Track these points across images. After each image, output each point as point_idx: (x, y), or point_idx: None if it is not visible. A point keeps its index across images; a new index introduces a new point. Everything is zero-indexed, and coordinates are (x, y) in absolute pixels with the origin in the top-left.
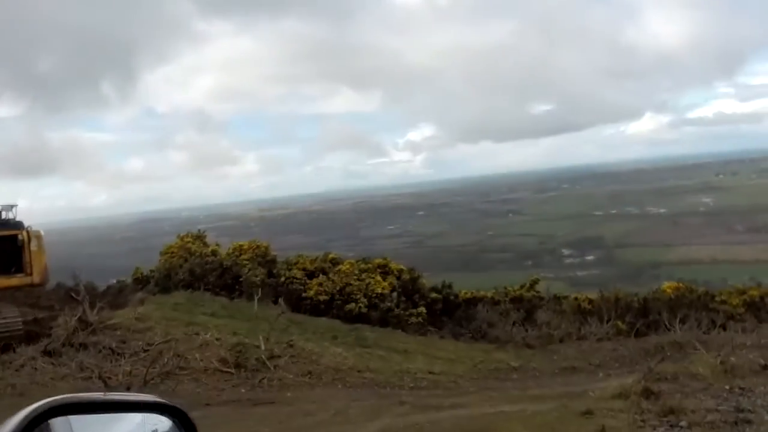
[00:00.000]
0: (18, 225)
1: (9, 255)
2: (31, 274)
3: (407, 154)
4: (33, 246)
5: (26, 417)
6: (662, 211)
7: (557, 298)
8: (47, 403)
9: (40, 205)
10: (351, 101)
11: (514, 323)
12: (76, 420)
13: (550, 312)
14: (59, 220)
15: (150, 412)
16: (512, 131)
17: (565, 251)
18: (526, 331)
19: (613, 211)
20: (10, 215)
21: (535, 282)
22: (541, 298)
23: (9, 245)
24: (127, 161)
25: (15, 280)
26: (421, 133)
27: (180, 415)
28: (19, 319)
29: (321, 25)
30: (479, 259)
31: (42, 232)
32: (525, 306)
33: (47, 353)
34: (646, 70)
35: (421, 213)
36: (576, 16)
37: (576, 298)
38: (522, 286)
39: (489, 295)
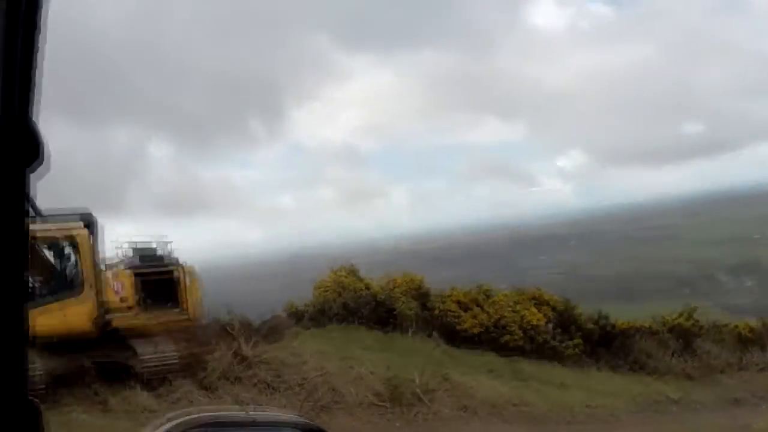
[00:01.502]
0: (173, 262)
1: (164, 291)
2: (186, 310)
3: (556, 182)
4: (187, 282)
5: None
6: None
7: (716, 327)
8: (193, 419)
9: (194, 241)
10: (496, 130)
11: (672, 353)
12: None
13: (709, 341)
14: (212, 256)
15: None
16: (662, 154)
17: (723, 277)
18: (685, 361)
19: None
20: (166, 252)
21: (693, 310)
22: (700, 327)
23: (165, 282)
24: (276, 197)
25: (171, 316)
26: (570, 159)
27: None
28: (176, 354)
29: (462, 55)
30: (634, 289)
31: (196, 268)
32: (683, 335)
33: (203, 387)
34: None
35: (572, 242)
36: (718, 31)
37: (736, 326)
38: (680, 315)
39: (646, 324)
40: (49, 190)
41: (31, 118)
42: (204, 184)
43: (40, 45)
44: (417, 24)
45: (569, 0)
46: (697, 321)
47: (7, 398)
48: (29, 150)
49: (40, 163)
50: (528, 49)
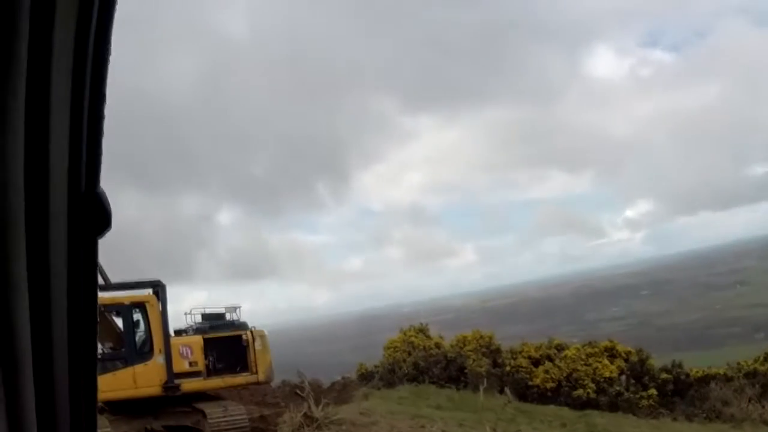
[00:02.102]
0: (242, 326)
1: (235, 354)
2: (256, 373)
3: (625, 233)
4: (257, 345)
5: None
6: None
7: None
8: None
9: (263, 305)
10: (562, 183)
11: (749, 400)
12: None
13: None
14: (282, 320)
15: None
16: (731, 197)
17: None
18: (763, 407)
19: None
20: (235, 316)
21: None
22: None
23: (234, 345)
24: (345, 260)
25: (241, 379)
26: (638, 209)
27: None
28: (246, 416)
29: (524, 110)
30: (708, 335)
31: (266, 332)
32: (760, 381)
33: None
34: None
35: (644, 292)
36: None
37: None
38: (756, 360)
39: (721, 371)
40: (122, 258)
41: (98, 186)
42: (273, 249)
43: (105, 114)
44: (480, 82)
45: (628, 49)
46: None
47: None
48: (98, 218)
49: (108, 231)
50: (591, 100)
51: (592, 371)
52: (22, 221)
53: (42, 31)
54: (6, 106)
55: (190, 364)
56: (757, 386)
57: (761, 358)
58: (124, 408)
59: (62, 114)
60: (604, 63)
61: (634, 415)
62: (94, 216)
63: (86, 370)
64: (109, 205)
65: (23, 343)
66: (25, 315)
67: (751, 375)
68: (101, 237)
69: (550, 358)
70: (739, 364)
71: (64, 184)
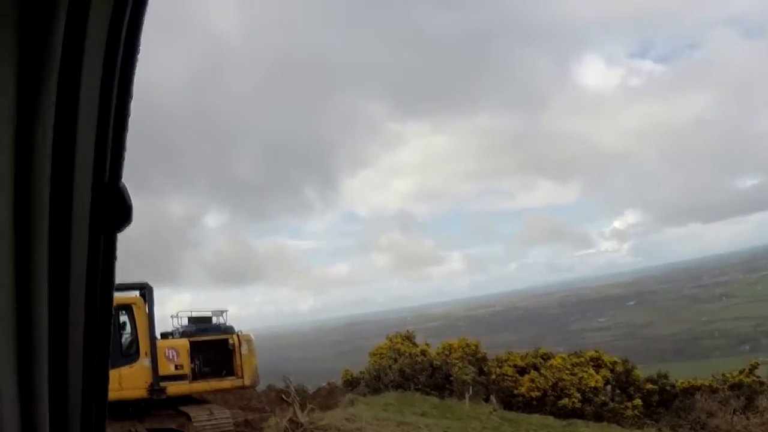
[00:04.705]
0: (229, 330)
1: (221, 359)
2: (242, 377)
3: (613, 243)
4: (243, 350)
5: None
6: None
7: None
8: None
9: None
10: (550, 192)
11: (734, 411)
12: None
13: None
14: (268, 325)
15: None
16: (719, 209)
17: None
18: (747, 419)
19: None
20: (221, 320)
21: (754, 366)
22: (762, 383)
23: (221, 349)
24: (331, 266)
25: (227, 383)
26: (626, 219)
27: None
28: (231, 420)
29: (514, 118)
30: (693, 347)
31: (252, 336)
32: (745, 392)
33: None
34: None
35: (630, 303)
36: None
37: None
38: (741, 372)
39: (707, 383)
40: None
41: (120, 180)
42: (259, 253)
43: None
44: (469, 89)
45: (618, 59)
46: (759, 377)
47: None
48: (119, 212)
49: (128, 225)
50: (580, 109)
51: (577, 381)
52: (47, 212)
53: (76, 27)
54: (38, 99)
55: (176, 367)
56: (742, 398)
57: (746, 370)
58: (109, 410)
59: (91, 108)
60: (594, 72)
61: (619, 425)
62: (116, 210)
63: (99, 365)
64: (130, 199)
65: (41, 340)
66: (44, 307)
67: (737, 387)
68: (121, 231)
69: (536, 367)
70: (724, 375)
71: (89, 177)
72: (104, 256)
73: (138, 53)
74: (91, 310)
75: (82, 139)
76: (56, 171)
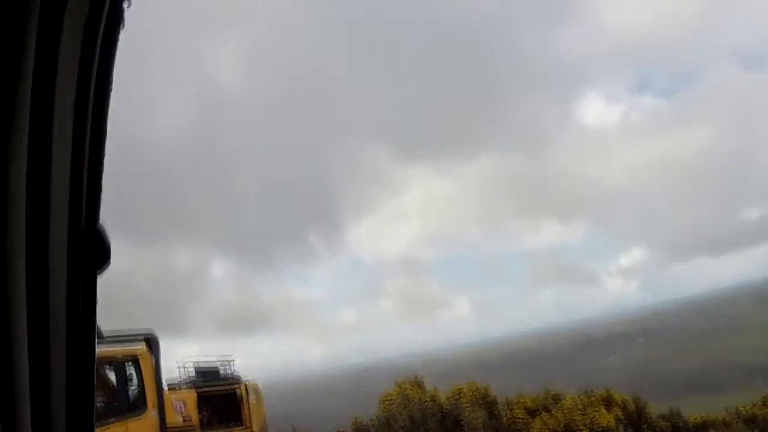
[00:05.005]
0: (236, 379)
1: (229, 408)
2: (250, 427)
3: (620, 281)
4: (251, 399)
5: None
6: None
7: None
8: None
9: (256, 359)
10: (556, 232)
11: None
12: None
13: None
14: (275, 373)
15: None
16: (726, 242)
17: None
18: None
19: None
20: (228, 370)
21: (767, 399)
22: None
23: (228, 399)
24: (338, 313)
25: None
26: (632, 256)
27: None
28: None
29: (517, 160)
30: (705, 382)
31: (259, 385)
32: (760, 425)
33: None
34: None
35: (640, 340)
36: None
37: None
38: (754, 405)
39: (720, 417)
40: (114, 311)
41: (98, 222)
42: (265, 302)
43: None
44: (471, 132)
45: (619, 96)
46: None
47: None
48: (98, 253)
49: (108, 266)
50: (582, 147)
51: (589, 421)
52: (23, 254)
53: (45, 70)
54: (10, 139)
55: (184, 419)
56: (756, 431)
57: (759, 403)
58: None
59: (64, 149)
60: (594, 109)
61: None
62: (94, 251)
63: (84, 408)
64: (109, 240)
65: (22, 386)
66: (24, 350)
67: (751, 420)
68: (101, 272)
69: (546, 409)
70: (737, 409)
71: (65, 218)
72: (84, 297)
73: (111, 92)
74: (74, 349)
75: (57, 180)
76: (31, 212)
